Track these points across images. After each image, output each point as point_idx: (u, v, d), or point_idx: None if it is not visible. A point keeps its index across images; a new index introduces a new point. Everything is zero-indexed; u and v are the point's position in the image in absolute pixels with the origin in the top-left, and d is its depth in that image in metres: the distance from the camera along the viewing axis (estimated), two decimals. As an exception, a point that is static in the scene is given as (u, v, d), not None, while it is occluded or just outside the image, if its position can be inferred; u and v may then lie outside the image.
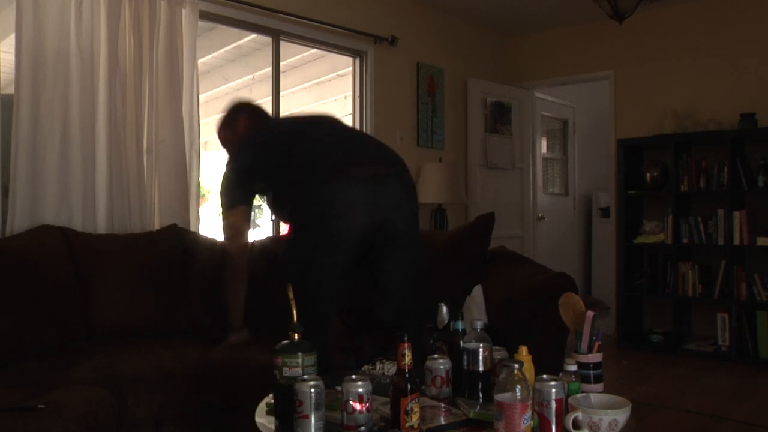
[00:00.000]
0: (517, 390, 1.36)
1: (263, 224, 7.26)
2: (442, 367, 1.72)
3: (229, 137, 2.64)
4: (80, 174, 2.97)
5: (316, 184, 2.23)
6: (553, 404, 1.42)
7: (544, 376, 1.47)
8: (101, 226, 3.02)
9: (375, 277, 2.36)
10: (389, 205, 2.26)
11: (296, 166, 2.33)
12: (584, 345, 1.71)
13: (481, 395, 1.71)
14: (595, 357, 1.70)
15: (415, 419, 1.43)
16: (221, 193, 2.48)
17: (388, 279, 2.35)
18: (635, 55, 5.17)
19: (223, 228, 2.51)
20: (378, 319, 2.38)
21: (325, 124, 2.60)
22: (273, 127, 2.71)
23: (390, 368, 1.89)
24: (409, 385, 1.43)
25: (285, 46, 4.20)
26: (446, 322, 1.93)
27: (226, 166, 2.52)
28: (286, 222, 2.51)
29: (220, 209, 2.54)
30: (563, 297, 1.91)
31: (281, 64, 4.17)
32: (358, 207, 2.20)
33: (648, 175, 4.88)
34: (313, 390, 1.45)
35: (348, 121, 4.74)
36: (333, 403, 1.54)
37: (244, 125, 2.61)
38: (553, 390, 1.42)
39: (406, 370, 1.45)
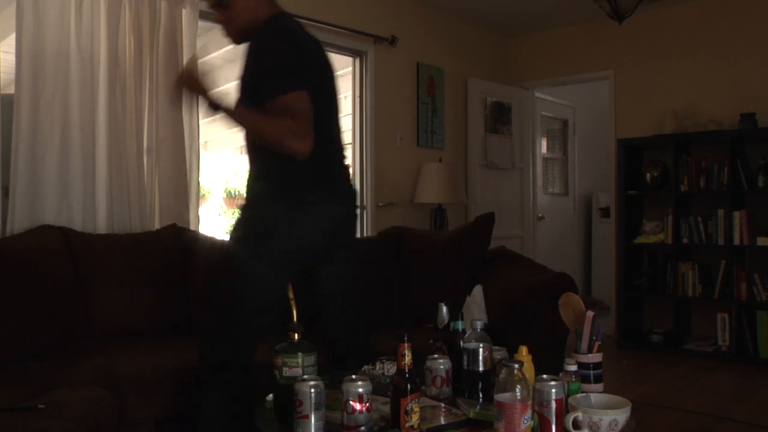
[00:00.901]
0: (517, 390, 1.36)
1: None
2: (442, 367, 1.72)
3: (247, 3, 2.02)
4: (80, 174, 2.97)
5: (318, 177, 2.00)
6: (553, 404, 1.42)
7: (544, 376, 1.47)
8: (101, 226, 3.02)
9: (322, 284, 2.14)
10: (352, 217, 2.18)
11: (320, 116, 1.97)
12: (584, 345, 1.71)
13: (481, 395, 1.71)
14: (595, 357, 1.70)
15: (415, 419, 1.43)
16: (270, 74, 1.91)
17: (337, 284, 2.16)
18: (635, 55, 5.17)
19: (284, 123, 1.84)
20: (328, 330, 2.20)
21: (334, 82, 2.17)
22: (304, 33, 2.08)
23: (390, 368, 1.89)
24: (409, 385, 1.43)
25: (285, 46, 4.19)
26: (446, 322, 1.93)
27: (275, 38, 1.95)
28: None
29: (270, 93, 1.88)
30: (563, 297, 1.91)
31: (281, 64, 4.16)
32: (335, 222, 2.04)
33: (648, 175, 4.88)
34: (313, 390, 1.45)
35: (348, 121, 4.75)
36: (333, 403, 1.54)
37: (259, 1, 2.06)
38: (553, 390, 1.43)
39: (406, 370, 1.46)
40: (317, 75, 2.02)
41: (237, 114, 1.92)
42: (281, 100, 1.87)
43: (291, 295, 1.78)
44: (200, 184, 3.52)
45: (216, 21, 2.14)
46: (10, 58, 2.90)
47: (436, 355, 1.78)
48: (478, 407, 1.62)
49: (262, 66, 1.94)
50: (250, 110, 1.93)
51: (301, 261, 2.01)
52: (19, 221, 2.78)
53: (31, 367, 2.21)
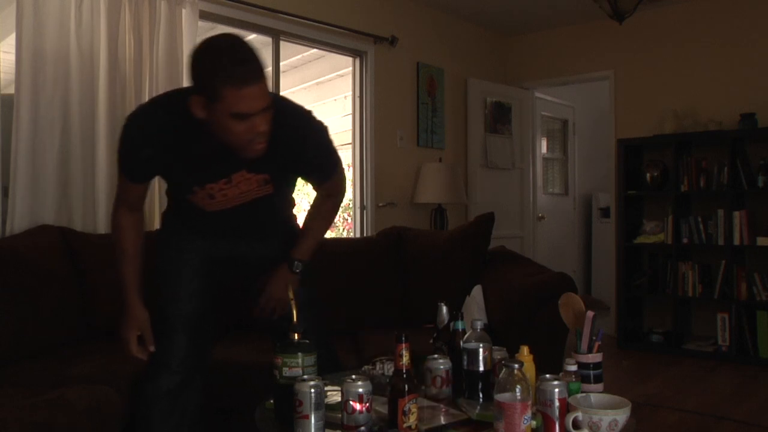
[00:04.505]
0: (517, 390, 1.36)
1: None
2: (442, 367, 1.72)
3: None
4: (80, 174, 2.97)
5: None
6: (557, 403, 1.42)
7: (547, 375, 1.47)
8: (101, 226, 3.02)
9: None
10: None
11: None
12: (584, 345, 1.71)
13: (481, 395, 1.71)
14: (595, 357, 1.70)
15: (412, 419, 1.43)
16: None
17: None
18: (635, 55, 5.17)
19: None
20: None
21: None
22: None
23: (390, 368, 1.89)
24: (406, 386, 1.43)
25: (285, 46, 4.19)
26: (446, 322, 1.93)
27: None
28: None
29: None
30: (563, 297, 1.91)
31: (281, 64, 4.17)
32: None
33: (648, 175, 4.88)
34: (313, 390, 1.45)
35: (348, 121, 4.75)
36: (333, 403, 1.54)
37: None
38: (557, 389, 1.43)
39: (404, 371, 1.45)
40: None
41: (312, 245, 2.01)
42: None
43: (291, 295, 1.77)
44: (200, 184, 3.51)
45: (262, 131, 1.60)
46: (10, 58, 2.90)
47: (436, 355, 1.78)
48: (479, 407, 1.61)
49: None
50: (309, 233, 2.02)
51: None
52: (19, 221, 2.78)
53: (32, 367, 2.21)
